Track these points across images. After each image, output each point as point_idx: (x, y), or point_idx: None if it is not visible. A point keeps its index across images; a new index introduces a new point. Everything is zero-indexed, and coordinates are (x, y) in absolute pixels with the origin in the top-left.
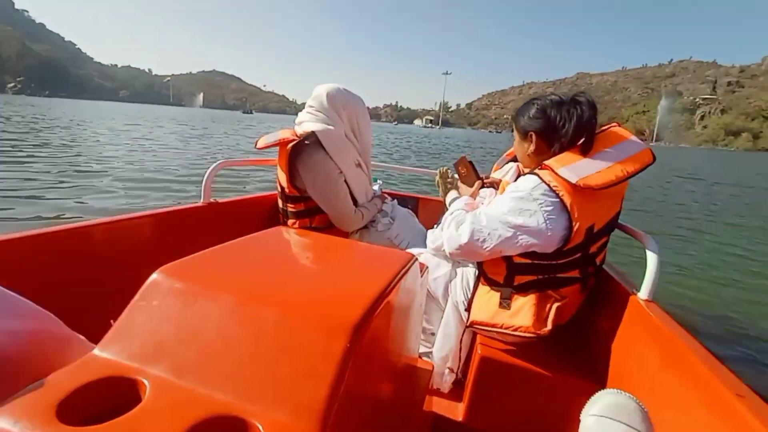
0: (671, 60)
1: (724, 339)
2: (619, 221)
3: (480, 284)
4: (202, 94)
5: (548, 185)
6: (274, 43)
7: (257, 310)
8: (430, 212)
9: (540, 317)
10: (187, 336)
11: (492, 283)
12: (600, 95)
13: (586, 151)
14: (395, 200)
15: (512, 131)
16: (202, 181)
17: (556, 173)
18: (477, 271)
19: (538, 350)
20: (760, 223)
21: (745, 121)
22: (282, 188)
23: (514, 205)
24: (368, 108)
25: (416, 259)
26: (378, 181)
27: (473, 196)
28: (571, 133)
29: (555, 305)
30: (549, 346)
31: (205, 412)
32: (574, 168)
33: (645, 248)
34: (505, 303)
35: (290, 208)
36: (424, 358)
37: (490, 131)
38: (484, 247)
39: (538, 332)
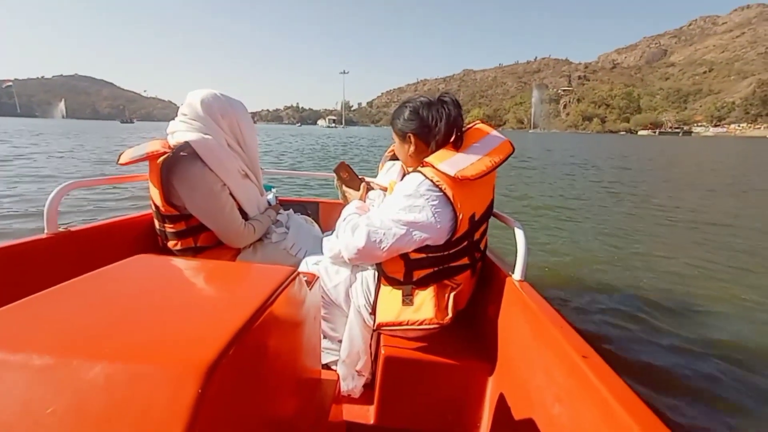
0: (536, 57)
1: (587, 308)
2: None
3: (381, 285)
4: (63, 102)
5: (431, 181)
6: (152, 44)
7: (81, 369)
8: (332, 216)
9: (441, 307)
10: None
11: (393, 282)
12: (484, 89)
13: (458, 146)
14: (291, 209)
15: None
16: (45, 207)
17: (436, 169)
18: (377, 273)
19: (438, 341)
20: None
21: (594, 108)
22: (157, 207)
23: (404, 203)
24: (269, 111)
25: (297, 272)
26: (272, 190)
27: (362, 198)
28: (443, 131)
29: (452, 293)
30: (447, 335)
31: None
32: (451, 162)
33: (514, 233)
34: (407, 300)
35: (169, 228)
36: (333, 368)
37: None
38: (382, 247)
39: (441, 322)
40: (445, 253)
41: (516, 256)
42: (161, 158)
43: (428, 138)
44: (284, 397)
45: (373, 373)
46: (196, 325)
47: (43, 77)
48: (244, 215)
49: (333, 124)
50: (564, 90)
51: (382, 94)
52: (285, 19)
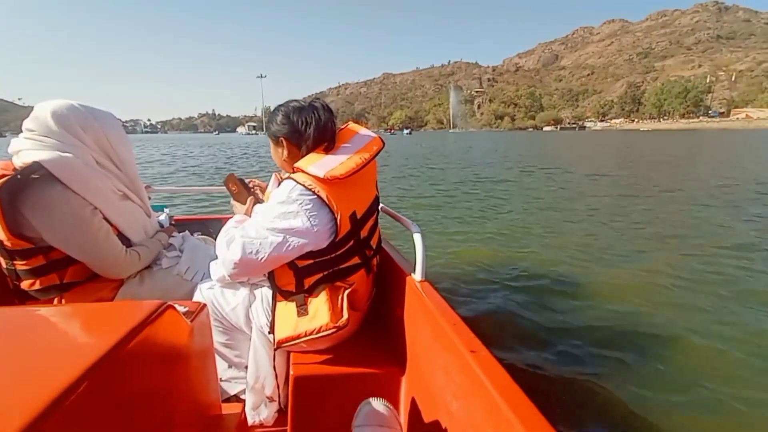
0: (449, 61)
1: (485, 303)
2: (387, 208)
3: (277, 301)
4: None
5: (303, 185)
6: (32, 46)
7: None
8: None
9: (335, 309)
10: None
11: (287, 295)
12: (404, 92)
13: (329, 149)
14: (188, 230)
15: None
16: None
17: (307, 172)
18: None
19: (348, 350)
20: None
21: (504, 107)
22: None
23: (277, 211)
24: (181, 119)
25: (166, 305)
26: (164, 210)
27: (248, 213)
28: (313, 135)
29: (345, 293)
30: (357, 342)
31: None
32: (321, 164)
33: (413, 235)
34: (302, 310)
35: (21, 266)
36: (243, 397)
37: None
38: (259, 258)
39: (338, 324)
40: (332, 255)
41: (415, 256)
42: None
43: (299, 142)
44: None
45: (285, 395)
46: (26, 374)
47: None
48: (126, 241)
49: (253, 131)
50: (477, 91)
51: (305, 98)
52: (197, 21)
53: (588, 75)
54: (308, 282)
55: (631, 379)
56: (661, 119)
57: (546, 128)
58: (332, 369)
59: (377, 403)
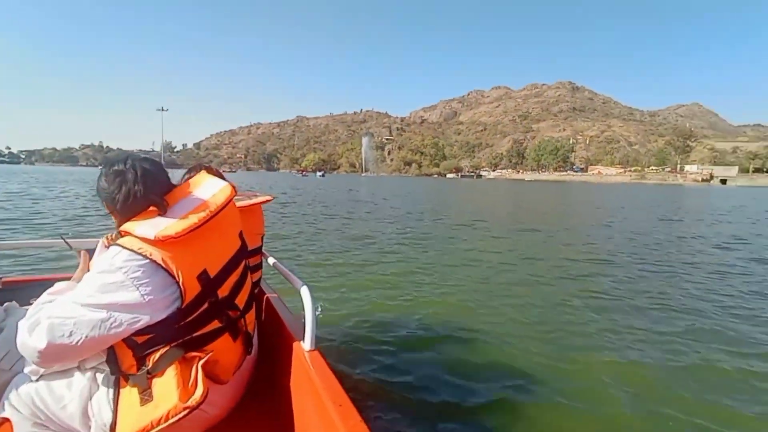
0: (361, 109)
1: (392, 370)
2: (278, 263)
3: (120, 388)
4: None
5: (131, 249)
6: None
7: None
8: None
9: (185, 386)
10: None
11: (128, 380)
12: (318, 135)
13: (161, 208)
14: (17, 298)
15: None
16: None
17: (134, 235)
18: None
19: (231, 429)
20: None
21: (412, 155)
22: None
23: (97, 282)
24: (56, 149)
25: None
26: None
27: (77, 278)
28: (121, 207)
29: (200, 364)
30: (239, 418)
31: None
32: (151, 224)
33: (301, 297)
34: (146, 395)
35: None
36: None
37: (224, 170)
38: (75, 341)
39: (189, 404)
40: (181, 323)
41: (304, 321)
42: None
43: (116, 209)
44: None
45: None
46: None
47: None
48: None
49: None
50: (387, 138)
51: (212, 135)
52: (83, 40)
53: (482, 130)
54: (150, 359)
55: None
56: (540, 171)
57: (449, 175)
58: None
59: None
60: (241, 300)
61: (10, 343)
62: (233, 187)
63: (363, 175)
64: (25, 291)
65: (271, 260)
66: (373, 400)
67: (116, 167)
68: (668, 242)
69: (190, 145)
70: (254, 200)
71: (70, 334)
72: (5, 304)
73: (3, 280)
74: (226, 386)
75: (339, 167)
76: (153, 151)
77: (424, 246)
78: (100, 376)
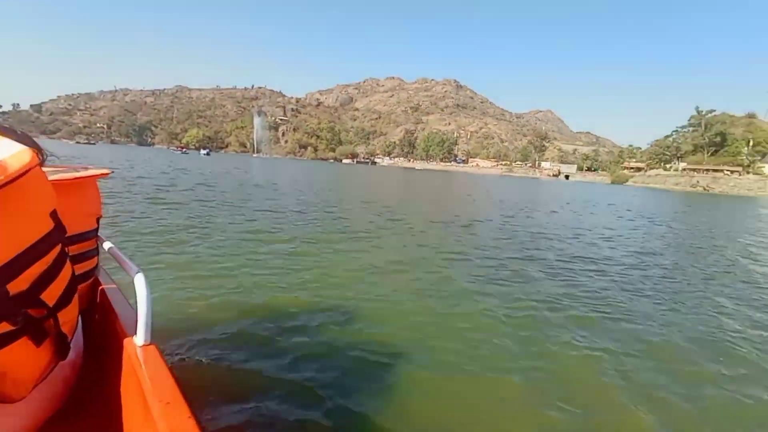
0: (253, 85)
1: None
2: (113, 248)
3: None
4: None
5: None
6: None
7: None
8: None
9: None
10: None
11: None
12: (203, 109)
13: None
14: None
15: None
16: None
17: None
18: None
19: None
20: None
21: (308, 138)
22: None
23: None
24: None
25: None
26: None
27: None
28: None
29: None
30: None
31: None
32: None
33: (135, 286)
34: None
35: None
36: None
37: (77, 142)
38: None
39: None
40: None
41: (137, 311)
42: None
43: None
44: None
45: None
46: None
47: None
48: None
49: None
50: (281, 119)
51: (60, 97)
52: None
53: (377, 118)
54: None
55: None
56: (428, 161)
57: (345, 161)
58: None
59: None
60: (50, 295)
61: None
62: (36, 153)
63: (255, 155)
64: None
65: (106, 245)
66: (217, 394)
67: None
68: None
69: (25, 107)
70: (82, 173)
71: None
72: None
73: None
74: (21, 404)
75: (227, 146)
76: None
77: (310, 236)
78: None
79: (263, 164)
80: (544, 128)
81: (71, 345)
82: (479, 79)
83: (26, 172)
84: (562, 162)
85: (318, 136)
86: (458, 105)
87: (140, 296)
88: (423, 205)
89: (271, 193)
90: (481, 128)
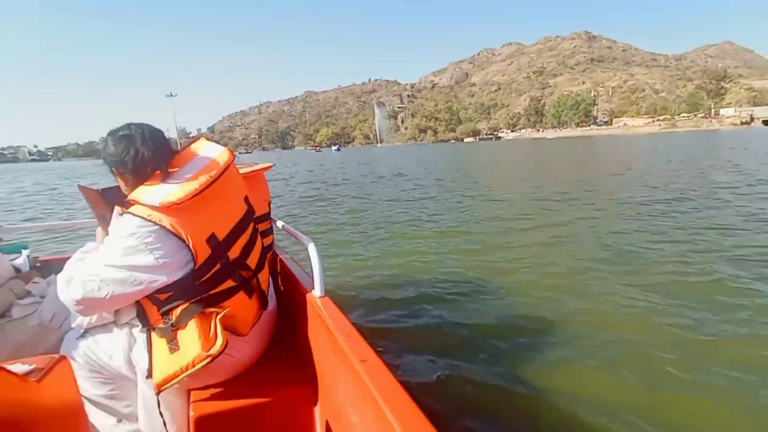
0: (369, 79)
1: (387, 316)
2: (286, 225)
3: (151, 340)
4: None
5: (141, 217)
6: None
7: None
8: None
9: (207, 337)
10: None
11: (158, 332)
12: (328, 109)
13: (164, 174)
14: (55, 272)
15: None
16: None
17: (141, 203)
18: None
19: (251, 379)
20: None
21: (426, 121)
22: None
23: (117, 246)
24: (79, 144)
25: None
26: (22, 252)
27: (105, 235)
28: (132, 169)
29: (218, 318)
30: (260, 370)
31: None
32: (155, 192)
33: (308, 251)
34: (173, 345)
35: None
36: None
37: (240, 152)
38: (104, 295)
39: (211, 353)
40: (197, 282)
41: (312, 271)
42: None
43: (126, 172)
44: None
45: None
46: None
47: None
48: None
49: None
50: (399, 107)
51: (224, 118)
52: (94, 37)
53: (496, 90)
54: (174, 314)
55: (525, 387)
56: (561, 128)
57: (467, 139)
58: (238, 402)
59: None
60: (252, 260)
61: (56, 307)
62: (231, 152)
63: (379, 146)
64: (59, 267)
65: (279, 224)
66: (378, 339)
67: (122, 132)
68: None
69: (204, 130)
70: (256, 167)
71: (99, 289)
72: (48, 278)
73: (40, 259)
74: (247, 338)
75: (353, 140)
76: (171, 138)
77: (447, 215)
78: (135, 330)
79: (387, 153)
80: (720, 65)
81: (268, 299)
82: (616, 24)
83: (229, 165)
84: (755, 104)
85: (436, 119)
86: (592, 59)
87: (313, 259)
88: (569, 182)
89: (403, 182)
90: (626, 81)
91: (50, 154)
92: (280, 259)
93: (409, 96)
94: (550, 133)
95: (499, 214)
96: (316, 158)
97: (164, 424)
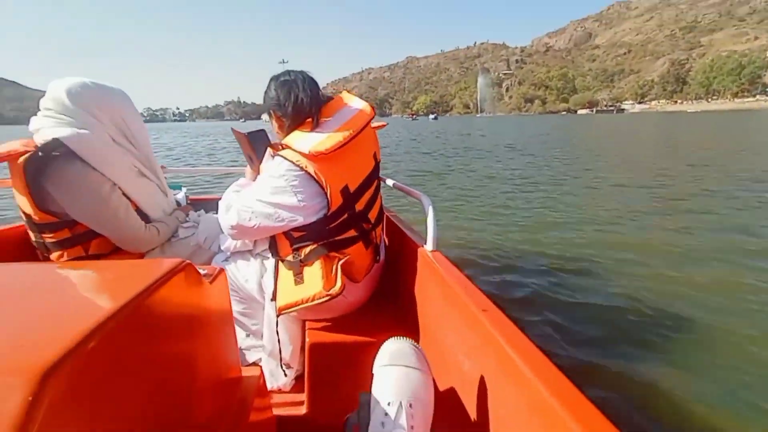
0: (475, 42)
1: (497, 274)
2: (397, 183)
3: (279, 269)
4: None
5: (291, 161)
6: (63, 37)
7: None
8: None
9: (329, 278)
10: None
11: (286, 264)
12: (429, 76)
13: (315, 123)
14: (203, 209)
15: None
16: None
17: (293, 148)
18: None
19: (362, 320)
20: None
21: (535, 90)
22: (28, 216)
23: (268, 185)
24: (208, 107)
25: (186, 263)
26: (181, 189)
27: (255, 175)
28: (291, 113)
29: (339, 264)
30: (370, 314)
31: None
32: (306, 140)
33: (422, 205)
34: (299, 278)
35: (48, 238)
36: (261, 363)
37: None
38: (252, 224)
39: (330, 292)
40: (326, 227)
41: (426, 227)
42: (22, 158)
43: (284, 116)
44: (185, 389)
45: (303, 364)
46: (34, 330)
47: None
48: (145, 217)
49: (261, 128)
50: (505, 74)
51: (327, 84)
52: (218, 10)
53: (624, 54)
54: (303, 252)
55: (653, 357)
56: (710, 99)
57: (580, 111)
58: (345, 337)
59: (402, 342)
60: (372, 215)
61: (207, 232)
62: (372, 107)
63: (478, 116)
64: (206, 206)
65: (390, 182)
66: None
67: (284, 78)
68: None
69: None
70: (374, 124)
71: (249, 220)
72: (199, 212)
73: (190, 197)
74: (359, 284)
75: (451, 109)
76: None
77: (556, 190)
78: (266, 261)
79: (490, 124)
80: None
81: (381, 251)
82: None
83: (369, 121)
84: None
85: (546, 87)
86: None
87: (429, 214)
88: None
89: (516, 155)
90: None
91: (187, 115)
92: (387, 215)
93: (517, 61)
94: (691, 106)
95: (627, 199)
96: (414, 126)
97: (280, 343)
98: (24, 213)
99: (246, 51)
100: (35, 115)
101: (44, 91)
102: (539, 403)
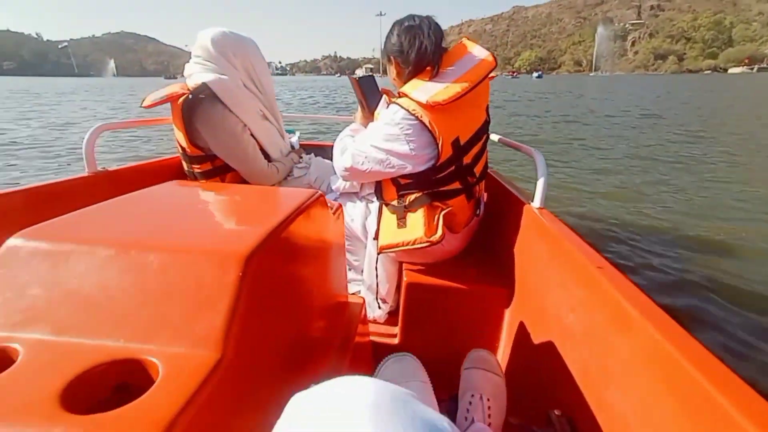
0: None
1: (606, 231)
2: (504, 138)
3: (383, 212)
4: (112, 61)
5: (407, 110)
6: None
7: (140, 257)
8: None
9: (430, 226)
10: (60, 295)
11: (390, 208)
12: (537, 28)
13: (434, 72)
14: (313, 153)
15: None
16: (82, 148)
17: (410, 97)
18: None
19: (458, 269)
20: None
21: (670, 44)
22: (183, 149)
23: (382, 132)
24: (307, 61)
25: (320, 193)
26: (295, 133)
27: (366, 120)
28: (414, 61)
29: (442, 214)
30: (467, 264)
31: (92, 361)
32: (424, 89)
33: (534, 161)
34: (401, 222)
35: (196, 169)
36: (360, 294)
37: None
38: (364, 168)
39: (431, 239)
40: (432, 177)
41: (536, 183)
42: (180, 100)
43: (405, 63)
44: (314, 302)
45: (397, 301)
46: (232, 227)
47: (93, 36)
48: (267, 156)
49: (370, 73)
50: (633, 24)
51: None
52: None
53: None
54: (408, 198)
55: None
56: None
57: (733, 70)
58: (440, 281)
59: (483, 352)
60: (477, 169)
61: (317, 172)
62: (494, 58)
63: (592, 74)
64: (315, 150)
65: (495, 137)
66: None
67: (408, 23)
68: None
69: None
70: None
71: (362, 164)
72: (310, 155)
73: (301, 142)
74: (458, 235)
75: (559, 66)
76: (374, 57)
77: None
78: (371, 204)
79: (607, 84)
80: None
81: (481, 206)
82: None
83: (488, 74)
84: None
85: (688, 39)
86: None
87: (540, 170)
88: None
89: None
90: None
91: (288, 69)
92: (489, 171)
93: (652, 7)
94: None
95: None
96: (514, 86)
97: (378, 278)
98: (180, 146)
99: (343, 3)
100: (168, 68)
101: (176, 47)
102: (658, 352)
